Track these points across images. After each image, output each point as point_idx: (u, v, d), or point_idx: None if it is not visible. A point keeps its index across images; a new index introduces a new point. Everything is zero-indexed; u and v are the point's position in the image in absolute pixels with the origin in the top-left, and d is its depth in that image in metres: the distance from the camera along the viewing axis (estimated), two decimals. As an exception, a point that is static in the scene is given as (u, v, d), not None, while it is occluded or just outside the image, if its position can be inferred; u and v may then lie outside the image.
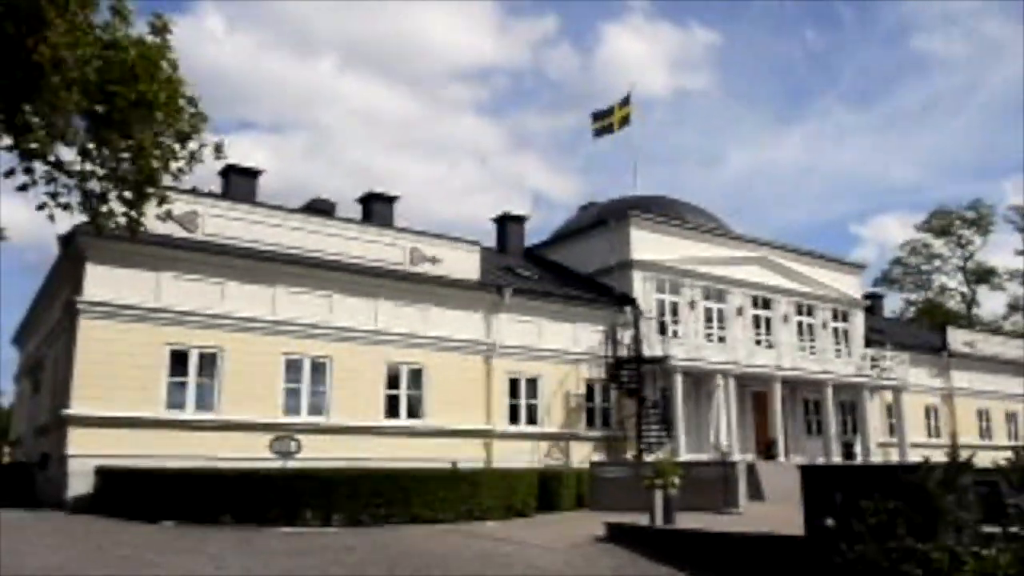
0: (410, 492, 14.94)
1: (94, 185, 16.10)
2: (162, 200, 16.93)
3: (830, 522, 9.50)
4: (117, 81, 14.29)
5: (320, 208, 26.08)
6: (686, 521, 14.38)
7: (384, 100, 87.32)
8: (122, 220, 15.93)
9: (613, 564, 10.97)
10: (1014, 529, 7.78)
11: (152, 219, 18.47)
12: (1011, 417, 40.12)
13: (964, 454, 9.15)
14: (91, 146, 15.16)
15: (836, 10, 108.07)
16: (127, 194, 15.66)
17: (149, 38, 16.04)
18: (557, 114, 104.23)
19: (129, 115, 14.64)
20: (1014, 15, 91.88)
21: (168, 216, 19.26)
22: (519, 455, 23.72)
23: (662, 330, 27.70)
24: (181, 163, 16.56)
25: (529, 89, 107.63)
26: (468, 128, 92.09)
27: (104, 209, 15.67)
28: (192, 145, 16.67)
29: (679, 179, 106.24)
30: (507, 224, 32.25)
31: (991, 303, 60.55)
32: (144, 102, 14.63)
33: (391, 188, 69.05)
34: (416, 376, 23.20)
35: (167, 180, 16.85)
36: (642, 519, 14.28)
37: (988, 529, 8.32)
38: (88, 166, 15.88)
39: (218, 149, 16.90)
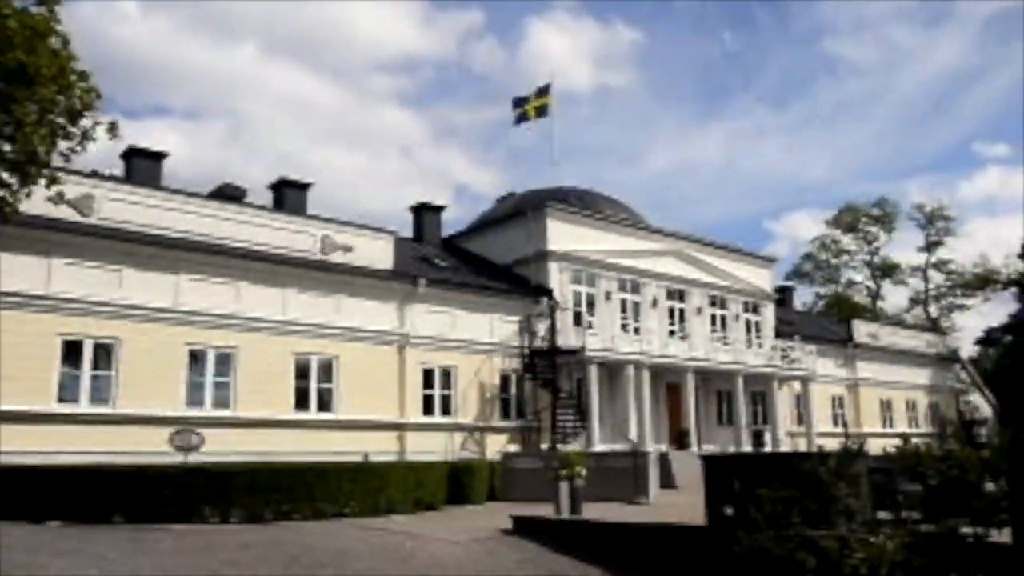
0: (312, 486, 14.45)
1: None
2: (52, 181, 16.04)
3: (729, 511, 9.54)
4: (-9, 48, 13.33)
5: (230, 194, 25.18)
6: (595, 512, 14.32)
7: (307, 89, 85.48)
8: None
9: (516, 557, 10.80)
10: (904, 515, 7.91)
11: (41, 202, 17.64)
12: (911, 405, 41.75)
13: (870, 442, 9.30)
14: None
15: (753, 12, 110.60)
16: (4, 175, 14.76)
17: (35, 9, 15.09)
18: (482, 107, 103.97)
19: (7, 87, 13.76)
20: (921, 20, 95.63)
21: (60, 199, 18.46)
22: (434, 447, 23.43)
23: (577, 321, 27.75)
24: (72, 143, 15.73)
25: (454, 82, 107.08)
26: (393, 119, 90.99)
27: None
28: (84, 123, 15.81)
29: (602, 174, 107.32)
30: (424, 214, 31.81)
31: (895, 297, 62.81)
32: (24, 74, 13.76)
33: (313, 178, 67.77)
34: (327, 367, 22.65)
35: (58, 161, 16.03)
36: (551, 511, 14.18)
37: (881, 516, 8.47)
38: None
39: (112, 128, 16.10)
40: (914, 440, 7.98)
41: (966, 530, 7.25)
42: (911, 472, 7.87)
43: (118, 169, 24.44)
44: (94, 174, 20.38)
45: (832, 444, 10.64)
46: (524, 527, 12.62)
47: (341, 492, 14.77)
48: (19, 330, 17.99)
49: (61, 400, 18.53)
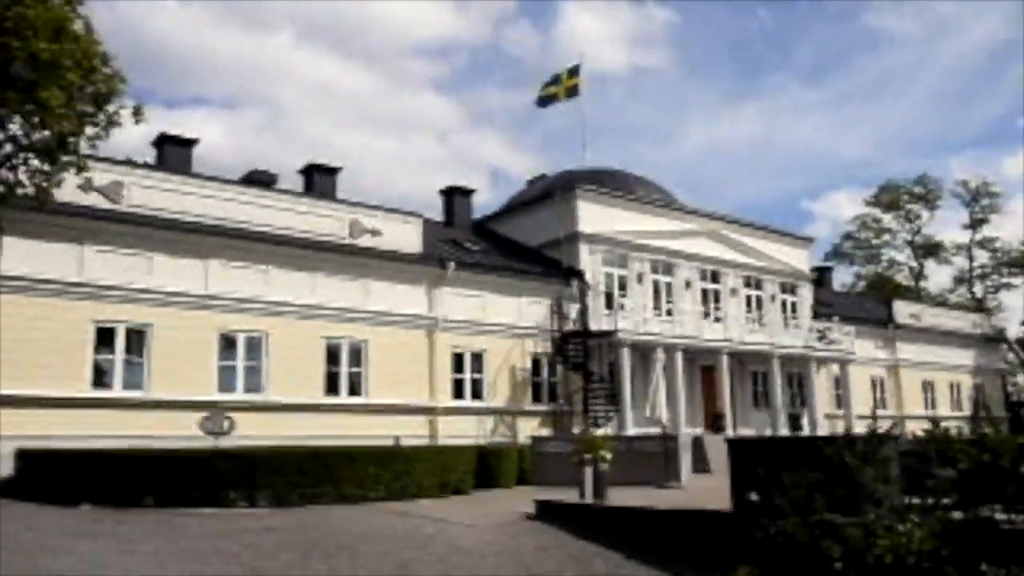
0: (338, 470, 14.46)
1: (5, 150, 15.26)
2: (80, 168, 16.18)
3: (754, 496, 9.32)
4: (15, 35, 13.45)
5: (260, 179, 25.28)
6: (624, 496, 14.16)
7: (341, 76, 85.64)
8: (31, 190, 15.25)
9: (537, 542, 10.68)
10: (936, 501, 7.61)
11: (73, 190, 17.81)
12: (955, 387, 40.80)
13: (911, 425, 8.97)
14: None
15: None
16: (35, 161, 14.92)
17: (56, -5, 15.11)
18: (515, 91, 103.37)
19: (32, 74, 13.86)
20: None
21: (90, 185, 18.61)
22: (464, 431, 23.39)
23: (609, 304, 27.46)
24: (99, 128, 15.82)
25: (488, 65, 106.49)
26: (427, 104, 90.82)
27: (11, 178, 14.93)
28: (109, 108, 15.90)
29: (636, 155, 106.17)
30: (454, 197, 31.66)
31: (938, 276, 61.46)
32: (49, 60, 13.84)
33: (348, 163, 68.02)
34: (357, 352, 22.68)
35: (86, 148, 16.15)
36: (577, 495, 14.03)
37: (914, 502, 8.17)
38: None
39: (137, 112, 16.17)
40: (944, 423, 7.66)
41: (1000, 517, 6.96)
42: (943, 456, 7.57)
43: (150, 157, 24.73)
44: (124, 161, 20.54)
45: (885, 426, 10.26)
46: (547, 512, 12.49)
47: (367, 476, 14.77)
48: (54, 316, 18.25)
49: (95, 385, 18.77)
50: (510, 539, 10.86)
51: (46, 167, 14.81)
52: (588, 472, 13.46)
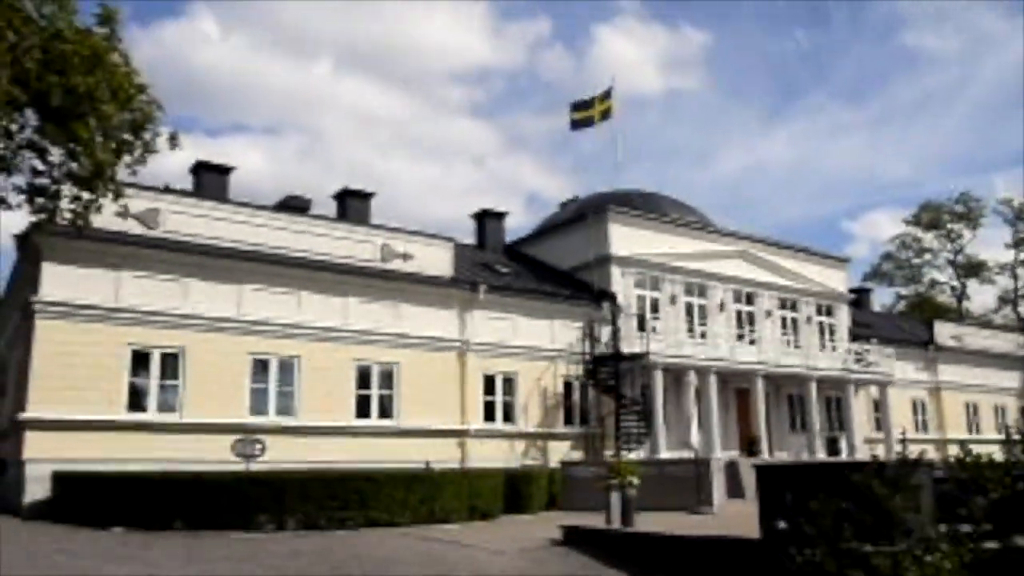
0: (366, 494, 14.47)
1: (44, 180, 15.67)
2: (117, 195, 16.52)
3: (782, 524, 9.11)
4: (55, 71, 13.83)
5: (295, 205, 25.61)
6: (654, 521, 13.96)
7: (380, 102, 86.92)
8: (69, 216, 15.58)
9: (562, 570, 10.55)
10: (970, 530, 7.38)
11: (111, 216, 18.20)
12: (999, 411, 39.73)
13: (952, 449, 8.70)
14: (35, 139, 14.73)
15: (827, 7, 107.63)
16: (74, 189, 15.25)
17: (96, 29, 15.56)
18: (551, 115, 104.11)
19: (70, 105, 14.21)
20: (1005, 8, 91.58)
21: (127, 212, 18.99)
22: (495, 455, 23.29)
23: (641, 326, 27.24)
24: (135, 155, 16.16)
25: (524, 90, 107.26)
26: (464, 129, 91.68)
27: (51, 205, 15.28)
28: (145, 136, 16.24)
29: (671, 178, 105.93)
30: (486, 221, 31.75)
31: (981, 296, 60.15)
32: (83, 93, 14.18)
33: (385, 189, 68.73)
34: (388, 375, 22.74)
35: (124, 175, 16.48)
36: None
37: (946, 530, 7.92)
38: (35, 161, 15.45)
39: (173, 139, 16.48)
40: (980, 447, 7.44)
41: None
42: (974, 484, 7.35)
43: (188, 184, 25.17)
44: (161, 188, 20.94)
45: (914, 451, 10.01)
46: (574, 538, 12.34)
47: (394, 500, 14.75)
48: (90, 341, 18.56)
49: (131, 409, 19.01)
50: (535, 565, 10.75)
51: (84, 195, 15.11)
52: (615, 497, 13.29)
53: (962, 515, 7.71)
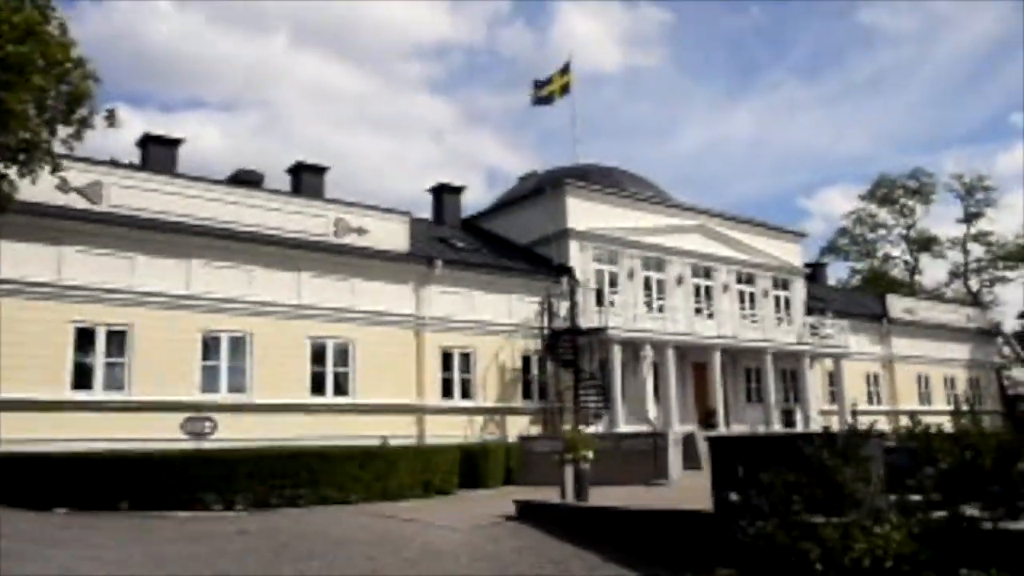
0: (317, 472, 14.23)
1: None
2: (54, 168, 15.88)
3: (734, 496, 9.06)
4: (-17, 39, 13.15)
5: (247, 179, 24.97)
6: (609, 495, 13.91)
7: (337, 77, 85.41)
8: (-1, 190, 14.93)
9: (515, 544, 10.42)
10: (916, 500, 7.37)
11: (52, 191, 17.55)
12: (949, 382, 40.55)
13: (904, 420, 8.62)
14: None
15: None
16: (1, 165, 14.62)
17: (28, -3, 14.80)
18: (511, 91, 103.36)
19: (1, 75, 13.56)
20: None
21: (67, 186, 18.32)
22: (454, 430, 23.14)
23: (599, 300, 27.21)
24: (70, 129, 15.54)
25: (483, 66, 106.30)
26: (423, 105, 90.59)
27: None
28: (83, 111, 15.61)
29: (633, 154, 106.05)
30: (443, 196, 31.32)
31: (933, 271, 61.13)
32: (13, 64, 13.55)
33: (343, 164, 67.73)
34: (343, 351, 22.40)
35: (61, 149, 15.85)
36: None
37: (898, 500, 7.91)
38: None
39: (110, 116, 15.88)
40: (928, 418, 7.41)
41: (980, 516, 6.71)
42: (924, 454, 7.32)
43: (136, 157, 24.42)
44: (104, 161, 20.27)
45: (868, 422, 10.00)
46: (527, 512, 12.24)
47: (347, 477, 14.53)
48: (31, 318, 17.95)
49: (76, 387, 18.47)
50: (487, 541, 10.61)
51: (11, 171, 14.51)
52: (569, 471, 13.20)
53: (912, 486, 7.70)
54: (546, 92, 33.81)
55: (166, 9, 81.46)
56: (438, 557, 9.69)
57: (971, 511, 6.92)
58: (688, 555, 9.52)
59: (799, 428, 30.07)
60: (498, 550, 10.19)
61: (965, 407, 7.32)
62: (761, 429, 29.67)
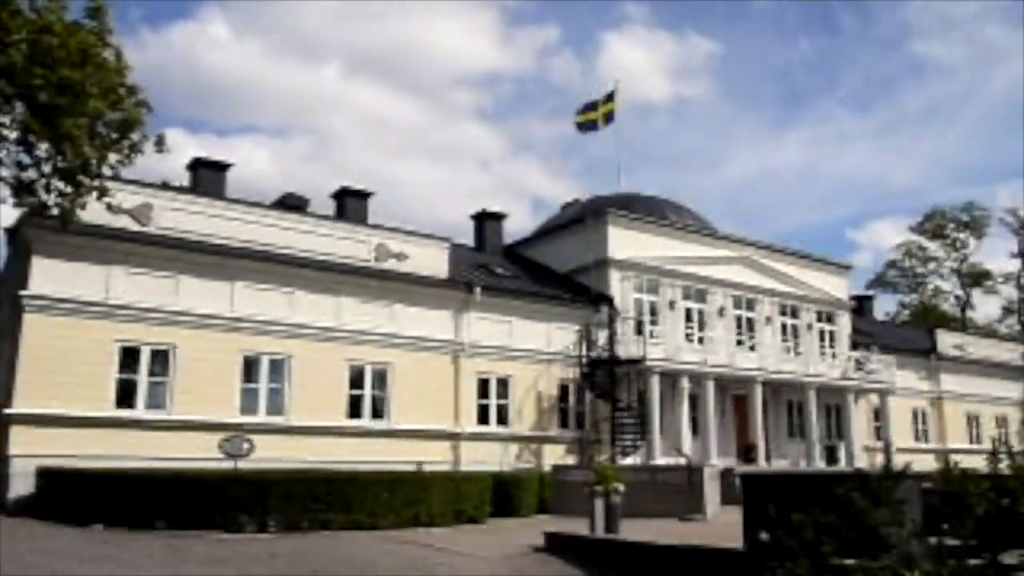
0: (349, 496, 14.25)
1: (30, 174, 15.49)
2: (102, 192, 16.36)
3: (764, 536, 8.87)
4: (43, 65, 13.66)
5: (291, 203, 25.45)
6: (640, 529, 13.71)
7: (388, 105, 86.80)
8: (55, 211, 15.41)
9: (542, 576, 10.33)
10: (951, 545, 7.13)
11: (103, 212, 18.06)
12: (1001, 421, 39.35)
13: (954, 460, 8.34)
14: (17, 135, 14.56)
15: (835, 14, 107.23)
16: (60, 184, 15.08)
17: (85, 21, 15.39)
18: (559, 120, 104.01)
19: (55, 101, 14.04)
20: (1014, 19, 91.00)
21: (119, 208, 18.83)
22: (488, 457, 23.06)
23: (639, 330, 27.00)
24: (121, 155, 16.00)
25: (532, 95, 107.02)
26: (472, 134, 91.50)
27: (37, 200, 15.11)
28: (134, 136, 16.08)
29: (679, 184, 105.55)
30: (485, 222, 31.55)
31: (986, 307, 59.56)
32: (70, 88, 14.01)
33: (395, 192, 68.52)
34: (381, 375, 22.54)
35: (110, 172, 16.32)
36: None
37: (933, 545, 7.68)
38: (22, 156, 15.28)
39: (159, 142, 16.33)
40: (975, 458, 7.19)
41: (1020, 566, 6.47)
42: (959, 499, 7.09)
43: (186, 180, 25.02)
44: (154, 184, 20.79)
45: (913, 460, 9.70)
46: (557, 544, 12.11)
47: (378, 503, 14.53)
48: (80, 336, 18.40)
49: (119, 405, 18.84)
50: (515, 572, 10.52)
51: (69, 190, 14.95)
52: (599, 503, 13.05)
53: (946, 531, 7.46)
54: (590, 118, 33.92)
55: (224, 38, 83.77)
56: (464, 587, 9.65)
57: (1009, 559, 6.69)
58: (718, 594, 9.34)
59: (842, 465, 29.39)
60: (524, 582, 10.11)
61: (1003, 449, 7.08)
62: (803, 465, 29.09)
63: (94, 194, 15.75)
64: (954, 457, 8.61)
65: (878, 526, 7.20)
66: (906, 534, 7.26)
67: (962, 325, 51.91)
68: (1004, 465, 7.04)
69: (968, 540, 7.00)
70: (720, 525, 16.24)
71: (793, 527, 8.08)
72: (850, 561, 7.40)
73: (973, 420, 38.09)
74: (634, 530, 13.37)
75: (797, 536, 7.99)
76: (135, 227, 19.60)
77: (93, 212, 16.86)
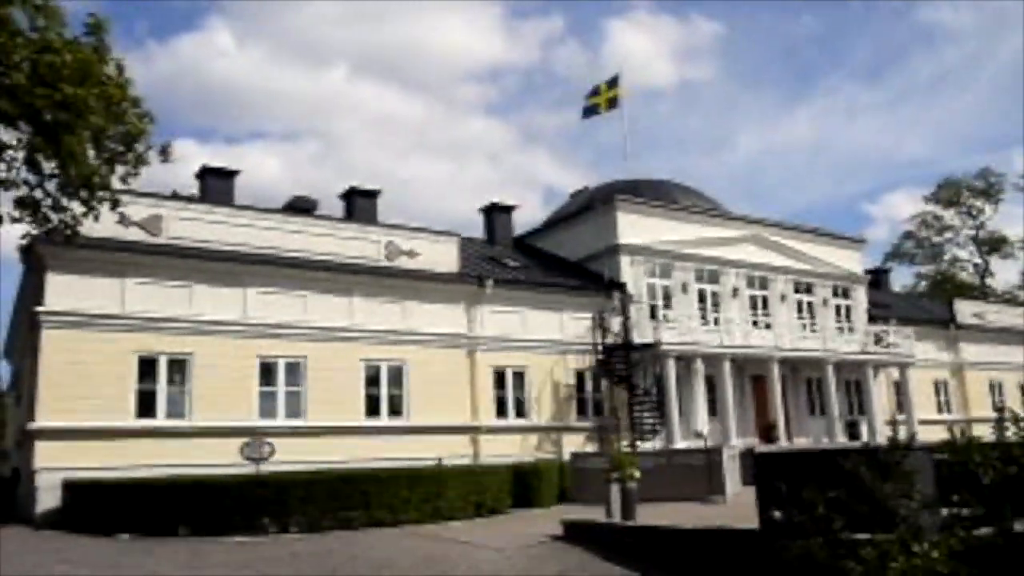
0: (369, 494, 14.39)
1: (36, 194, 15.69)
2: (114, 204, 16.53)
3: (777, 514, 8.89)
4: (45, 84, 13.81)
5: (300, 206, 25.59)
6: (660, 513, 13.77)
7: (395, 104, 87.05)
8: (62, 227, 15.60)
9: (560, 566, 10.39)
10: (958, 515, 7.12)
11: (113, 225, 18.24)
12: (1024, 388, 39.02)
13: (977, 429, 8.27)
14: (24, 154, 14.75)
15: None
16: (64, 200, 15.26)
17: (84, 39, 15.53)
18: (566, 109, 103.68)
19: (59, 119, 14.19)
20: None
21: (129, 220, 19.00)
22: (508, 449, 23.12)
23: (653, 315, 26.99)
24: (128, 167, 16.16)
25: (538, 86, 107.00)
26: (480, 127, 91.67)
27: (44, 217, 15.29)
28: (138, 147, 16.22)
29: (689, 166, 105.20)
30: (494, 215, 31.54)
31: (1005, 273, 58.99)
32: (72, 105, 14.16)
33: (406, 189, 68.64)
34: (397, 373, 22.66)
35: (118, 185, 16.49)
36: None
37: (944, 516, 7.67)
38: (25, 174, 15.48)
39: (164, 152, 16.47)
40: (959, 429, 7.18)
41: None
42: (967, 467, 7.08)
43: (195, 189, 25.21)
44: (162, 195, 20.97)
45: (936, 432, 9.66)
46: (575, 533, 12.18)
47: (398, 499, 14.66)
48: (97, 349, 18.61)
49: (140, 415, 19.05)
50: (532, 562, 10.60)
51: (75, 205, 15.13)
52: (615, 490, 13.10)
53: (957, 501, 7.46)
54: (593, 103, 33.84)
55: (228, 47, 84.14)
56: (481, 578, 9.74)
57: (1020, 527, 6.67)
58: (734, 574, 9.37)
59: (864, 440, 29.26)
60: (543, 571, 10.18)
61: (1008, 416, 7.04)
62: (825, 442, 28.99)
63: (105, 205, 15.96)
64: (978, 426, 8.58)
65: (885, 499, 7.21)
66: (915, 506, 7.27)
67: (981, 293, 51.46)
68: (1011, 432, 7.01)
69: (976, 509, 6.99)
70: (739, 506, 16.24)
71: (804, 504, 8.11)
72: (861, 535, 7.41)
73: (996, 388, 37.77)
74: (653, 514, 13.43)
75: (809, 513, 8.02)
76: (146, 238, 19.79)
77: (104, 226, 17.06)
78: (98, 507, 15.67)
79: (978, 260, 58.12)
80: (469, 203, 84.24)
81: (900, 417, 31.77)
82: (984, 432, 7.76)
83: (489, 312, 24.49)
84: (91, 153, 14.95)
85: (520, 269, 27.23)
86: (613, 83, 33.62)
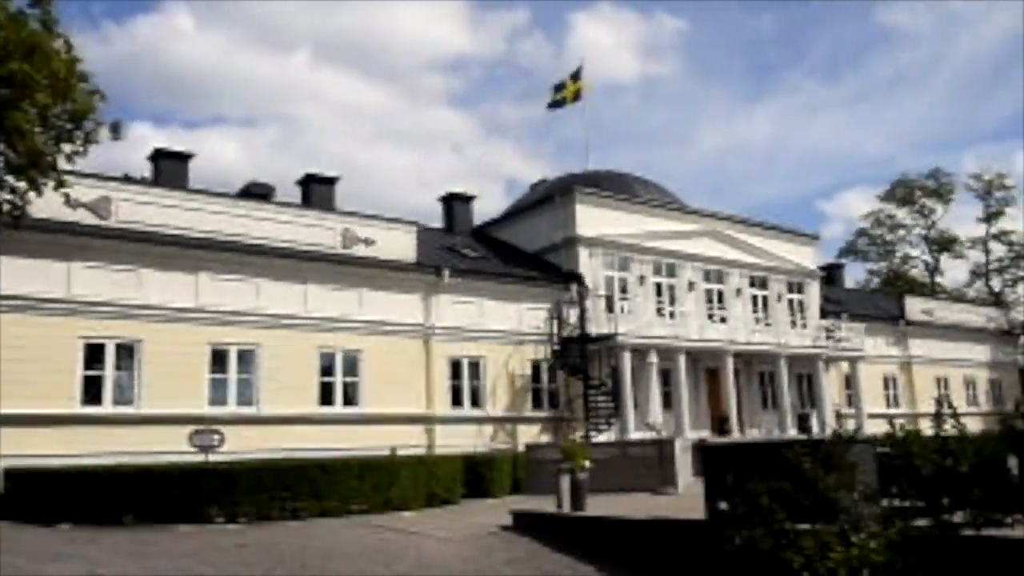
0: (319, 484, 14.23)
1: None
2: (59, 184, 16.07)
3: (723, 505, 8.99)
4: (-11, 59, 13.34)
5: (256, 192, 25.22)
6: (611, 504, 13.81)
7: (358, 93, 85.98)
8: (7, 207, 15.16)
9: (509, 556, 10.37)
10: (897, 507, 7.26)
11: (61, 207, 17.74)
12: (970, 383, 40.05)
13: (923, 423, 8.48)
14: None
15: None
16: (11, 178, 14.82)
17: (29, 11, 15.04)
18: (530, 102, 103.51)
19: (5, 92, 13.76)
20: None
21: (75, 202, 18.50)
22: (464, 440, 23.07)
23: (610, 307, 27.10)
24: (76, 145, 15.72)
25: (502, 78, 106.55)
26: (443, 118, 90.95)
27: (-11, 196, 14.82)
28: (87, 126, 15.78)
29: (651, 160, 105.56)
30: (454, 204, 31.43)
31: (954, 271, 60.45)
32: (17, 81, 13.73)
33: (367, 178, 67.97)
34: (351, 362, 22.47)
35: (66, 165, 16.03)
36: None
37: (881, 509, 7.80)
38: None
39: (115, 129, 16.05)
40: (900, 423, 7.30)
41: (963, 524, 6.60)
42: (906, 462, 7.21)
43: (148, 172, 24.71)
44: (112, 177, 20.52)
45: (884, 426, 9.81)
46: (524, 523, 12.18)
47: (348, 489, 14.53)
48: (42, 334, 18.17)
49: (85, 402, 18.65)
50: (481, 552, 10.57)
51: (21, 184, 14.71)
52: (565, 481, 13.11)
53: (896, 493, 7.60)
54: (558, 96, 33.91)
55: (189, 30, 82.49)
56: (428, 569, 9.66)
57: (954, 518, 6.81)
58: (681, 564, 9.45)
59: (815, 432, 29.72)
60: (491, 561, 10.15)
61: (947, 410, 7.18)
62: (776, 434, 29.36)
63: (50, 185, 15.52)
64: (925, 421, 8.75)
65: (828, 491, 7.31)
66: (856, 498, 7.39)
67: (931, 290, 52.56)
68: (948, 426, 7.15)
69: (915, 501, 7.13)
70: (691, 497, 16.33)
71: (749, 495, 8.20)
72: (803, 526, 7.52)
73: (943, 383, 38.62)
74: (604, 505, 13.46)
75: (753, 504, 8.11)
76: (94, 221, 19.35)
77: (51, 207, 16.63)
78: (39, 496, 15.25)
79: (928, 258, 59.41)
80: (431, 193, 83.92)
81: (850, 411, 32.43)
82: (929, 426, 7.91)
83: (447, 302, 24.40)
84: (37, 130, 14.57)
85: (478, 259, 27.14)
86: (576, 76, 33.66)
